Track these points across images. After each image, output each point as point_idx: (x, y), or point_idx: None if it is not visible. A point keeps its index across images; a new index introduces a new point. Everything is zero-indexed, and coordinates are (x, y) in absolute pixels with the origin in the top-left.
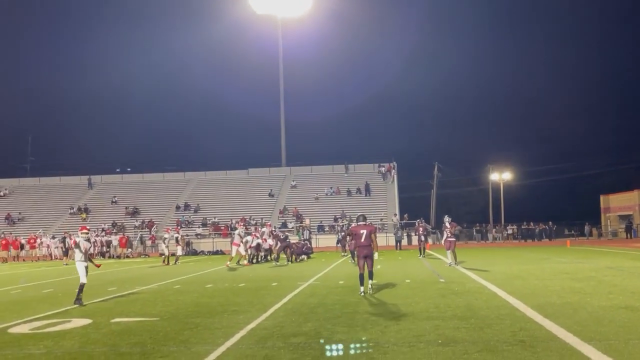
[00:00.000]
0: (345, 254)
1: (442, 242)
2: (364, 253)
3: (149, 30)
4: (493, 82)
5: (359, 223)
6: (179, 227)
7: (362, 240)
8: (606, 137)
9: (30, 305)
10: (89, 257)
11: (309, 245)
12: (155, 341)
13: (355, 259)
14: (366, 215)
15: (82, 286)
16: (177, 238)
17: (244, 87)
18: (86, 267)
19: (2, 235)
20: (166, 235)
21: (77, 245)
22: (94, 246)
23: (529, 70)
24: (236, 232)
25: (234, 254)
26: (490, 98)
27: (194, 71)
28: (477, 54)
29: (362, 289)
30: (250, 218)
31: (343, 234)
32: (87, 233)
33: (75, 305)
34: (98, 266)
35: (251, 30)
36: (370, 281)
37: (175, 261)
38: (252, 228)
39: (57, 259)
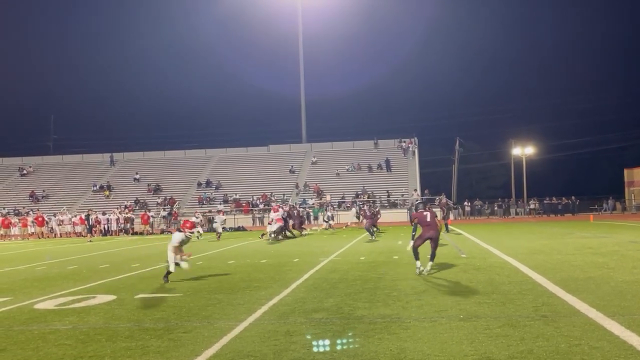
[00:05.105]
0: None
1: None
2: (429, 234)
3: (169, 6)
4: (516, 55)
5: (418, 210)
6: (223, 212)
7: (428, 220)
8: (630, 109)
9: (55, 281)
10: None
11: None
12: (178, 317)
13: (374, 236)
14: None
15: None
16: (224, 220)
17: (264, 63)
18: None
19: (34, 214)
20: (198, 218)
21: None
22: (117, 223)
23: (551, 42)
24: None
25: (268, 229)
26: (513, 71)
27: (215, 47)
28: (499, 25)
29: (418, 264)
30: (271, 194)
31: (415, 222)
32: (193, 231)
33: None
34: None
35: (271, 5)
36: (430, 262)
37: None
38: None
39: (57, 236)
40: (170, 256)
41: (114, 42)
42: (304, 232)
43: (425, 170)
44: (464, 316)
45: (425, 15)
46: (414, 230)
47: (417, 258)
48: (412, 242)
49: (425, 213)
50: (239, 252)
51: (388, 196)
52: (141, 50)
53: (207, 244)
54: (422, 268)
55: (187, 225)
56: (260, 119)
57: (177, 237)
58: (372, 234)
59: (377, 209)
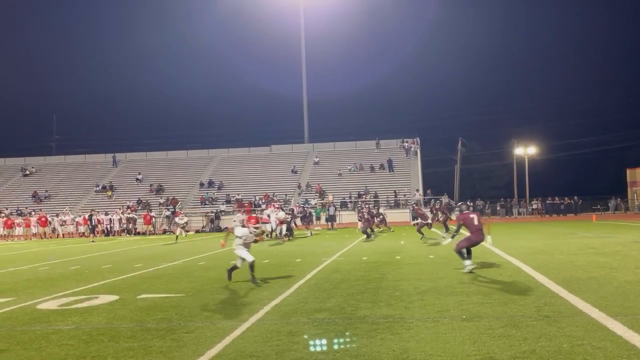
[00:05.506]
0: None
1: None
2: (477, 238)
3: (171, 6)
4: (518, 55)
5: (464, 211)
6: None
7: (476, 222)
8: (633, 109)
9: (58, 282)
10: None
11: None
12: (181, 317)
13: (373, 236)
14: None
15: (251, 265)
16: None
17: (267, 63)
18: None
19: (37, 215)
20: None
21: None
22: (120, 223)
23: (554, 41)
24: (265, 212)
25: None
26: (516, 71)
27: (217, 48)
28: (501, 25)
29: (468, 262)
30: (273, 195)
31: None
32: (258, 227)
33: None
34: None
35: (273, 5)
36: (470, 260)
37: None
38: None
39: (60, 237)
40: (242, 252)
41: (116, 42)
42: (308, 232)
43: (427, 170)
44: (466, 316)
45: (427, 15)
46: (457, 230)
47: (464, 257)
48: (449, 240)
49: (471, 216)
50: None
51: (395, 196)
52: (144, 50)
53: (206, 244)
54: (472, 266)
55: (252, 221)
56: (262, 119)
57: (240, 231)
58: (367, 235)
59: (378, 212)
